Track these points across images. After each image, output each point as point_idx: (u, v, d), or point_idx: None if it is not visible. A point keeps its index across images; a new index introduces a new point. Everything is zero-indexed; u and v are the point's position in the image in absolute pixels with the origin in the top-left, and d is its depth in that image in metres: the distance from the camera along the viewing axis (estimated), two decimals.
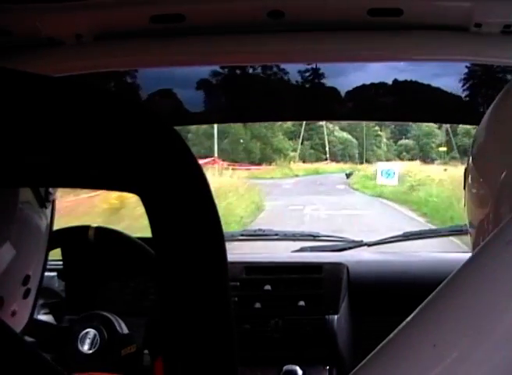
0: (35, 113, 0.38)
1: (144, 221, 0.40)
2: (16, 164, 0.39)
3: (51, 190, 0.61)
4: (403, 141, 25.83)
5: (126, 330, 1.14)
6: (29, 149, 0.39)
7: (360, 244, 1.85)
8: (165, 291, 0.39)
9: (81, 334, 1.12)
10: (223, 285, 0.40)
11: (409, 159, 23.28)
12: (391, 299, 1.49)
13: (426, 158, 23.18)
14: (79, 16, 1.07)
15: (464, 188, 0.62)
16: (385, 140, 26.42)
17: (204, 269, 0.39)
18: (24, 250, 0.58)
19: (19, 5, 1.01)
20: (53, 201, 0.64)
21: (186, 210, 0.39)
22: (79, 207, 6.85)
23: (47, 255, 0.67)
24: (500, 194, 0.52)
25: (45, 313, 1.43)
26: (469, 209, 0.61)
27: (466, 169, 0.61)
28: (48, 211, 0.62)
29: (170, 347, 0.40)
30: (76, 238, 1.15)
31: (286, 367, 1.34)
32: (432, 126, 23.86)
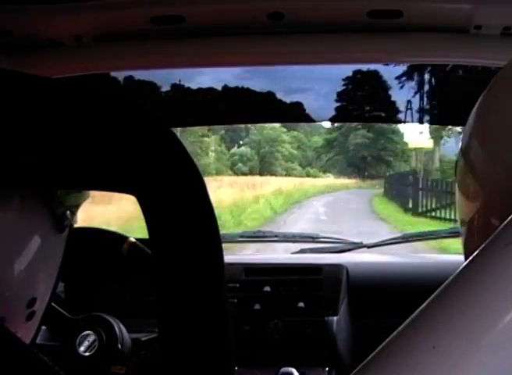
0: (35, 115, 0.38)
1: None
2: (15, 165, 0.39)
3: (67, 214, 0.59)
4: (238, 150, 20.97)
5: (125, 334, 1.14)
6: (29, 150, 0.39)
7: (359, 246, 1.85)
8: (161, 292, 0.39)
9: (80, 337, 1.12)
10: (219, 286, 0.40)
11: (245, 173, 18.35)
12: (390, 301, 1.49)
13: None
14: (79, 17, 1.07)
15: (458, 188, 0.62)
16: (213, 147, 20.20)
17: (200, 270, 0.39)
18: (33, 272, 0.56)
19: (19, 6, 1.01)
20: (71, 227, 0.62)
21: (183, 212, 0.39)
22: None
23: (58, 279, 0.65)
24: (491, 192, 0.52)
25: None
26: (460, 207, 0.61)
27: (456, 167, 0.61)
28: (64, 236, 0.61)
29: (167, 346, 0.39)
30: (108, 248, 1.13)
31: (282, 369, 1.34)
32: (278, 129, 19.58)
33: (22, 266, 0.54)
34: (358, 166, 21.54)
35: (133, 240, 1.09)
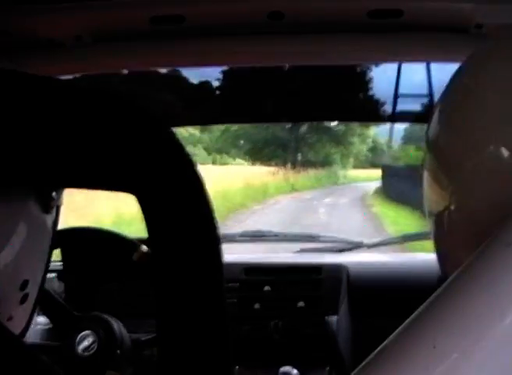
0: (34, 114, 0.38)
1: None
2: (15, 164, 0.39)
3: (53, 195, 0.59)
4: None
5: (125, 334, 1.14)
6: (28, 150, 0.39)
7: (359, 246, 1.85)
8: (160, 292, 0.39)
9: (79, 337, 1.12)
10: (218, 286, 0.40)
11: None
12: (391, 300, 1.49)
13: None
14: (78, 17, 1.07)
15: (421, 178, 0.63)
16: None
17: (200, 269, 0.39)
18: (24, 255, 0.57)
19: (18, 6, 1.01)
20: (58, 207, 0.62)
21: (182, 211, 0.39)
22: None
23: (48, 259, 0.66)
24: (462, 183, 0.53)
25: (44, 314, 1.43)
26: (427, 199, 0.61)
27: (422, 159, 0.61)
28: (51, 217, 0.61)
29: (165, 345, 0.39)
30: (120, 254, 1.13)
31: (281, 369, 1.34)
32: None
33: (11, 248, 0.54)
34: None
35: (146, 249, 1.09)
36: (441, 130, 0.58)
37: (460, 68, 0.58)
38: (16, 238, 0.55)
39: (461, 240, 0.54)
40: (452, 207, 0.54)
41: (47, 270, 0.66)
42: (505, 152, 0.48)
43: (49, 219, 0.61)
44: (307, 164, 14.46)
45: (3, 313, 0.54)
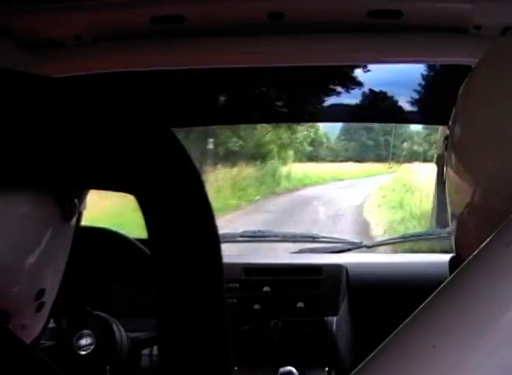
0: (33, 114, 0.38)
1: None
2: (13, 164, 0.39)
3: (76, 202, 0.58)
4: None
5: (123, 333, 1.14)
6: (27, 149, 0.39)
7: (359, 246, 1.85)
8: (160, 292, 0.39)
9: (77, 336, 1.12)
10: (218, 286, 0.40)
11: None
12: (390, 300, 1.49)
13: None
14: (78, 17, 1.07)
15: (443, 180, 0.63)
16: None
17: (199, 269, 0.39)
18: (42, 264, 0.56)
19: (19, 5, 1.01)
20: (80, 214, 0.61)
21: (182, 211, 0.39)
22: None
23: (68, 268, 0.65)
24: (486, 186, 0.53)
25: None
26: (450, 201, 0.61)
27: (442, 159, 0.61)
28: (73, 224, 0.60)
29: (166, 346, 0.39)
30: (119, 254, 1.12)
31: (282, 369, 1.34)
32: None
33: (30, 257, 0.53)
34: None
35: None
36: (464, 130, 0.57)
37: (477, 66, 0.57)
38: (35, 245, 0.54)
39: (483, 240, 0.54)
40: (474, 206, 0.54)
41: (65, 279, 0.65)
42: None
43: (70, 226, 0.59)
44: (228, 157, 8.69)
45: (16, 322, 0.53)
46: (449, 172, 0.60)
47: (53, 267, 0.59)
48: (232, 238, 1.93)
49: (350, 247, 1.84)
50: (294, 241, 2.01)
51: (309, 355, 1.44)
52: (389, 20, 1.07)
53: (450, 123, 0.60)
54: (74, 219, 0.59)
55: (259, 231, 2.06)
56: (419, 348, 0.38)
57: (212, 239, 0.40)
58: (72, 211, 0.57)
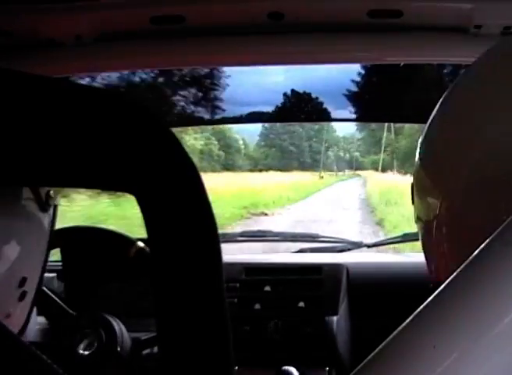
0: (33, 113, 0.39)
1: None
2: (14, 163, 0.39)
3: (51, 193, 0.60)
4: None
5: (125, 333, 1.14)
6: (27, 149, 0.39)
7: (359, 246, 1.85)
8: (160, 291, 0.39)
9: (79, 335, 1.12)
10: (218, 286, 0.40)
11: None
12: (391, 300, 1.49)
13: None
14: (79, 17, 1.07)
15: (412, 186, 0.64)
16: None
17: (199, 269, 0.39)
18: (22, 253, 0.57)
19: (19, 5, 1.01)
20: (55, 207, 0.63)
21: (182, 211, 0.39)
22: None
23: (46, 257, 0.66)
24: (451, 190, 0.53)
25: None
26: (417, 206, 0.62)
27: (415, 167, 0.62)
28: (49, 215, 0.61)
29: (165, 346, 0.40)
30: (116, 251, 1.13)
31: (282, 369, 1.34)
32: None
33: (10, 246, 0.55)
34: None
35: (142, 245, 1.09)
36: (433, 140, 0.58)
37: (465, 73, 0.58)
38: (13, 236, 0.55)
39: (449, 247, 0.54)
40: (442, 214, 0.55)
41: (45, 269, 0.66)
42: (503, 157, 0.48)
43: (46, 217, 0.61)
44: None
45: (1, 310, 0.54)
46: (419, 178, 0.60)
47: (32, 257, 0.61)
48: (232, 238, 1.93)
49: (350, 246, 1.84)
50: (294, 241, 2.01)
51: (309, 355, 1.44)
52: (389, 20, 1.07)
53: (426, 127, 0.60)
54: (50, 211, 0.61)
55: (259, 231, 2.06)
56: (419, 348, 0.38)
57: (212, 238, 0.40)
58: (47, 202, 0.58)
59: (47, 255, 0.65)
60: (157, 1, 1.06)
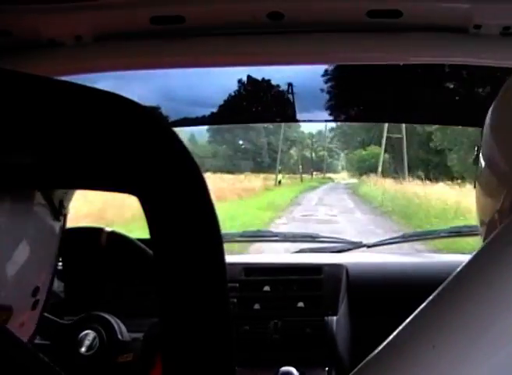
0: (35, 114, 0.38)
1: None
2: (16, 165, 0.39)
3: (65, 203, 0.60)
4: None
5: (125, 333, 1.14)
6: (30, 150, 0.39)
7: (359, 246, 1.85)
8: (163, 292, 0.39)
9: (80, 336, 1.12)
10: (221, 286, 0.40)
11: None
12: (390, 300, 1.49)
13: None
14: (79, 17, 1.07)
15: (475, 187, 0.63)
16: None
17: (202, 270, 0.39)
18: (35, 262, 0.57)
19: (19, 6, 1.01)
20: (65, 215, 0.63)
21: (185, 211, 0.39)
22: None
23: (56, 267, 0.66)
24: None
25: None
26: (479, 208, 0.61)
27: (477, 168, 0.62)
28: (60, 224, 0.61)
29: (168, 347, 0.40)
30: (87, 240, 1.13)
31: (282, 369, 1.34)
32: None
33: (24, 255, 0.54)
34: None
35: (109, 230, 1.10)
36: (493, 140, 0.57)
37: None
38: (28, 244, 0.55)
39: None
40: (504, 212, 0.54)
41: (54, 277, 0.66)
42: None
43: (58, 226, 0.61)
44: None
45: (16, 320, 0.54)
46: (481, 176, 0.60)
47: (44, 265, 0.61)
48: (232, 238, 1.93)
49: (350, 247, 1.84)
50: (294, 241, 2.01)
51: (309, 355, 1.44)
52: (389, 20, 1.07)
53: (485, 129, 0.60)
54: (62, 220, 0.60)
55: (259, 231, 2.07)
56: (419, 348, 0.38)
57: (215, 239, 0.40)
58: (60, 210, 0.58)
59: (56, 264, 0.65)
60: (157, 1, 1.06)
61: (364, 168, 20.01)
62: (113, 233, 1.09)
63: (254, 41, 1.15)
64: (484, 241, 0.61)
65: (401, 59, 1.25)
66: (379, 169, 17.97)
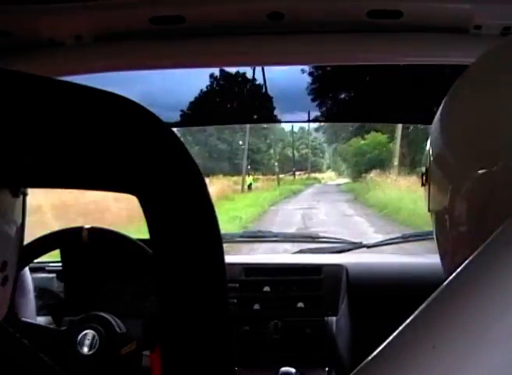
0: (34, 114, 0.39)
1: None
2: (15, 165, 0.39)
3: None
4: None
5: (124, 330, 1.14)
6: (28, 150, 0.39)
7: (359, 246, 1.85)
8: (163, 292, 0.39)
9: (80, 336, 1.12)
10: (221, 286, 0.40)
11: None
12: (390, 301, 1.49)
13: None
14: (79, 17, 1.07)
15: (422, 185, 0.64)
16: None
17: (202, 270, 0.39)
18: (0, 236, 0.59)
19: (19, 5, 1.01)
20: (24, 194, 0.66)
21: (184, 212, 0.39)
22: None
23: (21, 243, 0.68)
24: (459, 188, 0.53)
25: (44, 314, 1.43)
26: (431, 200, 0.62)
27: (426, 169, 0.62)
28: (19, 201, 0.65)
29: (168, 346, 0.40)
30: (70, 240, 1.14)
31: (282, 369, 1.34)
32: None
33: None
34: None
35: (88, 226, 1.10)
36: (445, 138, 0.58)
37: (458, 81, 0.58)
38: None
39: (461, 239, 0.55)
40: (454, 208, 0.55)
41: (20, 255, 0.68)
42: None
43: (19, 202, 0.64)
44: None
45: None
46: (432, 174, 0.60)
47: (9, 241, 0.63)
48: (231, 238, 1.93)
49: (350, 247, 1.84)
50: (294, 241, 2.01)
51: (309, 355, 1.44)
52: (389, 20, 1.07)
53: (433, 125, 0.61)
54: (21, 198, 0.64)
55: (259, 231, 2.07)
56: (419, 349, 0.38)
57: (215, 239, 0.40)
58: (20, 190, 0.62)
59: (21, 241, 0.68)
60: (157, 1, 1.06)
61: (364, 163, 15.13)
62: (93, 229, 1.10)
63: (254, 41, 1.15)
64: (435, 237, 0.62)
65: (401, 59, 1.25)
66: (395, 162, 12.41)
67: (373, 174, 13.56)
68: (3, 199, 0.60)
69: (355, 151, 16.25)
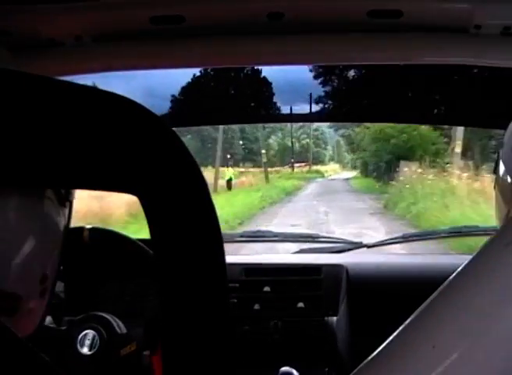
0: (36, 115, 0.39)
1: None
2: (16, 165, 0.39)
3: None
4: None
5: (124, 330, 1.14)
6: (29, 150, 0.39)
7: (359, 246, 1.85)
8: (164, 292, 0.39)
9: (80, 336, 1.12)
10: (222, 286, 0.40)
11: None
12: (390, 301, 1.49)
13: None
14: (78, 17, 1.07)
15: (494, 188, 0.63)
16: None
17: (203, 270, 0.39)
18: (43, 248, 0.57)
19: (18, 5, 1.01)
20: (71, 202, 0.63)
21: (185, 211, 0.39)
22: None
23: (61, 256, 0.66)
24: None
25: None
26: (498, 210, 0.62)
27: (496, 171, 0.62)
28: (67, 210, 0.61)
29: (169, 346, 0.40)
30: (71, 240, 1.14)
31: (282, 369, 1.34)
32: None
33: (32, 241, 0.54)
34: None
35: (90, 226, 1.10)
36: None
37: None
38: (35, 231, 0.55)
39: None
40: None
41: (60, 266, 0.66)
42: None
43: (64, 212, 0.61)
44: None
45: (24, 306, 0.54)
46: (499, 184, 0.60)
47: (51, 253, 0.61)
48: (231, 238, 1.93)
49: (350, 247, 1.85)
50: (294, 241, 2.01)
51: (309, 355, 1.44)
52: (389, 20, 1.07)
53: (506, 138, 0.60)
54: (68, 206, 0.61)
55: (259, 231, 2.07)
56: (419, 348, 0.38)
57: (215, 239, 0.40)
58: (67, 197, 0.58)
59: (61, 253, 0.65)
60: (157, 1, 1.06)
61: (385, 150, 11.30)
62: (94, 229, 1.10)
63: (254, 41, 1.15)
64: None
65: (401, 59, 1.25)
66: (457, 148, 8.64)
67: (406, 168, 9.63)
68: (49, 207, 0.56)
69: (374, 137, 12.47)
